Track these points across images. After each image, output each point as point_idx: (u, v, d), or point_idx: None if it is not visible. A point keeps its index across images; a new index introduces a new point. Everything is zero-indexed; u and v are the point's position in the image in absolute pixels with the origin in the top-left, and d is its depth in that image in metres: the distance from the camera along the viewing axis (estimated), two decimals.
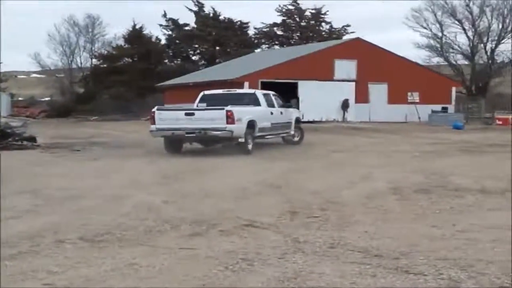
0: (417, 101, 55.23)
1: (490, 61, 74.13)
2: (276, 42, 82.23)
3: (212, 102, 26.01)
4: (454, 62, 75.80)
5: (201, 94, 27.78)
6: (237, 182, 15.54)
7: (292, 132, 28.70)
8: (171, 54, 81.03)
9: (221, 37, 77.50)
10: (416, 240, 9.17)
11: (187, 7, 79.94)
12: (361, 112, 52.62)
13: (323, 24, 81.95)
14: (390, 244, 8.99)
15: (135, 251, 8.65)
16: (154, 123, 24.28)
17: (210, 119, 23.56)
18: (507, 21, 72.77)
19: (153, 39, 78.59)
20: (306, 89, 51.41)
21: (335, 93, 51.81)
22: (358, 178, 16.72)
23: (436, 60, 75.86)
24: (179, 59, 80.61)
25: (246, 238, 9.47)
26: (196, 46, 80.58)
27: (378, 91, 54.14)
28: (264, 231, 9.99)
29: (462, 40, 75.41)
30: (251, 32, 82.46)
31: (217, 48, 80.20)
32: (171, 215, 11.15)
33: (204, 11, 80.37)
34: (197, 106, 26.39)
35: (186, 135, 23.95)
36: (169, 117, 24.24)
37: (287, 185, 15.22)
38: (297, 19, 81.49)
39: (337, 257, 8.31)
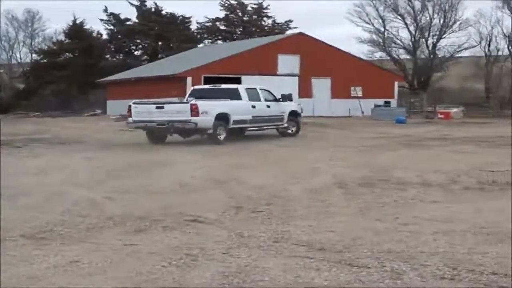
0: (360, 95, 55.64)
1: (431, 56, 74.98)
2: (219, 37, 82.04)
3: (200, 96, 28.13)
4: (396, 57, 76.52)
5: (191, 89, 30.59)
6: (181, 178, 15.45)
7: (285, 125, 30.53)
8: (113, 49, 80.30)
9: (164, 32, 76.96)
10: (360, 234, 9.23)
11: (129, 2, 79.27)
12: (304, 106, 52.70)
13: (265, 18, 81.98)
14: (334, 237, 9.03)
15: (78, 248, 8.55)
16: (130, 115, 26.61)
17: (177, 112, 25.84)
18: (448, 16, 73.73)
19: (94, 34, 77.77)
20: (249, 84, 51.29)
21: (279, 88, 51.84)
22: (303, 172, 16.76)
23: (379, 54, 76.55)
24: (121, 54, 79.91)
25: (190, 233, 9.44)
26: (138, 41, 79.96)
27: (322, 86, 54.38)
28: (208, 226, 9.96)
29: (404, 35, 76.16)
30: (193, 27, 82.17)
31: (160, 43, 79.69)
32: (114, 212, 11.04)
33: (146, 5, 79.73)
34: (186, 100, 28.19)
35: (157, 126, 26.06)
36: (143, 110, 26.49)
37: (231, 180, 15.19)
38: (240, 14, 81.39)
39: (281, 251, 8.33)
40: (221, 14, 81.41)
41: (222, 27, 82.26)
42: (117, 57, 79.57)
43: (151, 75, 54.96)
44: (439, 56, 75.53)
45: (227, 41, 77.98)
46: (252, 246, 8.62)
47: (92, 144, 26.59)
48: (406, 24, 74.74)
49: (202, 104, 25.90)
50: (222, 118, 26.56)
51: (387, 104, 54.63)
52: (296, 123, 31.57)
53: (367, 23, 74.88)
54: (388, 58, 76.38)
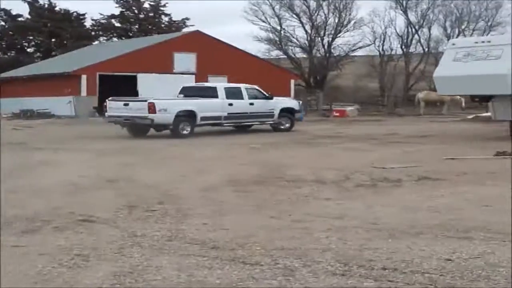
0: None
1: (327, 55, 75.99)
2: (115, 35, 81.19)
3: (187, 93, 31.99)
4: (292, 55, 77.29)
5: (181, 87, 33.53)
6: (71, 178, 15.17)
7: (275, 120, 33.04)
8: (4, 46, 78.52)
9: (57, 29, 75.70)
10: (253, 231, 9.25)
11: None
12: None
13: (162, 16, 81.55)
14: (227, 235, 9.02)
15: None
16: (106, 111, 30.43)
17: (138, 109, 28.92)
18: (343, 15, 74.88)
19: None
20: (145, 82, 51.04)
21: (175, 86, 51.56)
22: (197, 170, 16.74)
23: (275, 53, 77.27)
24: (13, 51, 78.24)
25: (82, 233, 9.28)
26: (31, 38, 78.46)
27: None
28: (100, 226, 9.82)
29: (300, 33, 77.27)
30: (88, 23, 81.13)
31: (53, 40, 78.34)
32: (1, 212, 10.76)
33: (38, 2, 78.27)
34: (177, 97, 31.96)
35: (124, 121, 29.46)
36: (114, 106, 29.99)
37: (123, 179, 15.04)
38: (136, 11, 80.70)
39: (175, 250, 8.27)
40: (117, 11, 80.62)
41: (118, 25, 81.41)
42: (9, 54, 77.84)
43: (44, 73, 53.95)
44: (335, 55, 76.68)
45: (123, 38, 77.20)
46: (145, 245, 8.54)
47: None
48: (302, 23, 75.68)
49: (160, 103, 29.14)
50: (187, 115, 29.46)
51: None
52: (290, 119, 33.75)
53: (263, 21, 75.44)
54: (285, 56, 77.05)
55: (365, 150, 22.82)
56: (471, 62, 26.34)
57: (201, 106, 30.26)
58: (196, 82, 52.85)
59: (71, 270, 7.39)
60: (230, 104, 31.21)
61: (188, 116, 29.71)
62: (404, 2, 75.82)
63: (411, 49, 77.68)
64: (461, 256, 7.87)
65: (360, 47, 76.99)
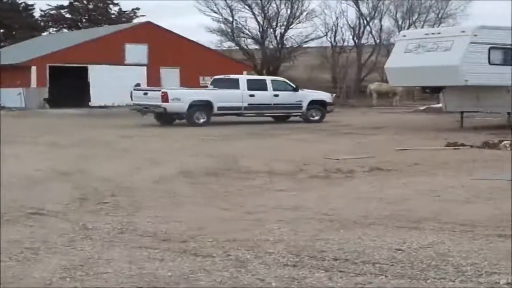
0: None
1: (279, 46, 76.03)
2: (64, 26, 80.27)
3: (217, 84, 34.06)
4: (245, 47, 77.12)
5: (213, 78, 36.26)
6: (23, 170, 15.01)
7: (303, 112, 33.98)
8: None
9: (5, 19, 74.59)
10: (205, 223, 9.24)
11: None
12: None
13: (111, 6, 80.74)
14: (180, 227, 9.02)
15: None
16: (132, 99, 32.98)
17: (154, 98, 31.02)
18: (295, 6, 74.92)
19: None
20: (97, 73, 50.61)
21: (127, 78, 51.30)
22: (149, 162, 16.67)
23: (228, 44, 76.89)
24: None
25: (33, 226, 9.20)
26: None
27: (171, 75, 54.10)
28: (51, 219, 9.75)
29: (252, 25, 76.76)
30: (37, 14, 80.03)
31: (1, 31, 77.23)
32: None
33: None
34: (208, 87, 35.05)
35: (144, 109, 31.88)
36: (136, 95, 32.59)
37: (76, 172, 14.91)
38: (85, 1, 79.81)
39: (126, 242, 8.24)
40: (66, 2, 79.62)
41: (67, 15, 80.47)
42: None
43: None
44: (287, 46, 76.69)
45: (73, 29, 76.41)
46: (96, 238, 8.49)
47: None
48: (254, 14, 75.46)
49: (174, 92, 31.52)
50: (202, 104, 31.18)
51: None
52: (320, 110, 34.69)
53: (215, 12, 75.13)
54: (237, 48, 76.91)
55: (318, 142, 22.94)
56: (422, 54, 26.60)
57: (218, 96, 31.99)
58: (148, 74, 52.83)
59: (21, 264, 7.33)
60: (252, 95, 32.50)
61: (204, 105, 31.31)
62: None
63: (363, 41, 78.03)
64: (411, 246, 7.95)
65: (312, 39, 77.12)
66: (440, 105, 34.24)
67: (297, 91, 34.35)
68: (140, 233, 8.75)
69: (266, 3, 74.64)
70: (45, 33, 77.31)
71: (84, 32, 66.41)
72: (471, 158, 17.30)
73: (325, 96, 36.36)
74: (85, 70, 50.67)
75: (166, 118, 31.79)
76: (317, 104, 34.78)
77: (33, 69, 49.04)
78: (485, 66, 25.86)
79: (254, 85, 33.30)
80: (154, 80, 52.59)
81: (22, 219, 9.62)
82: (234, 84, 33.18)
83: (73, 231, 8.85)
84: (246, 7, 75.02)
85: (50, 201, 11.06)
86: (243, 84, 32.99)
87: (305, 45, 77.71)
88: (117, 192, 12.07)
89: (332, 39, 77.79)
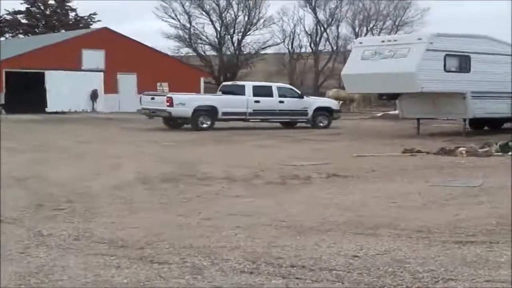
0: (167, 91, 55.57)
1: (237, 52, 76.13)
2: (21, 31, 79.51)
3: (225, 90, 35.47)
4: (202, 53, 77.12)
5: (221, 85, 38.34)
6: None
7: (308, 118, 34.57)
8: None
9: None
10: (162, 230, 9.19)
11: None
12: (110, 102, 52.20)
13: (69, 12, 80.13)
14: (136, 234, 8.95)
15: None
16: (140, 104, 34.22)
17: (160, 102, 32.19)
18: (253, 13, 75.11)
19: None
20: (54, 79, 50.25)
21: (84, 83, 51.06)
22: (106, 168, 16.57)
23: (185, 50, 76.87)
24: None
25: None
26: None
27: (128, 81, 53.93)
28: (7, 225, 9.61)
29: (210, 31, 76.82)
30: None
31: None
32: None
33: None
34: (217, 93, 35.96)
35: (151, 113, 33.04)
36: (145, 100, 33.76)
37: (32, 177, 14.76)
38: (42, 7, 79.15)
39: (82, 249, 8.16)
40: (22, 7, 78.88)
41: (24, 21, 79.73)
42: None
43: None
44: (245, 52, 76.85)
45: (29, 35, 75.70)
46: (52, 245, 8.40)
47: None
48: (211, 20, 75.55)
49: (178, 97, 32.35)
50: (207, 110, 32.09)
51: None
52: (327, 117, 35.36)
53: (173, 18, 75.04)
54: (194, 54, 76.84)
55: (275, 147, 22.98)
56: (378, 61, 26.76)
57: (223, 102, 32.97)
58: (105, 79, 52.58)
59: None
60: (257, 101, 33.23)
61: (209, 111, 32.21)
62: (312, 1, 76.54)
63: (320, 47, 78.48)
64: (368, 252, 7.97)
65: (270, 45, 77.46)
66: (397, 111, 34.49)
67: (303, 98, 35.12)
68: (96, 239, 8.68)
69: (223, 10, 74.77)
70: (1, 39, 76.51)
71: (41, 37, 65.88)
72: (427, 164, 17.43)
73: (331, 103, 37.29)
74: (42, 76, 50.28)
75: (173, 123, 32.71)
76: (323, 111, 35.38)
77: None
78: (441, 73, 26.12)
79: (260, 91, 34.05)
80: (111, 85, 52.50)
81: None
82: (240, 90, 34.12)
83: (28, 238, 8.76)
84: (204, 13, 75.19)
85: (5, 207, 10.92)
86: (248, 90, 33.80)
87: (262, 52, 78.06)
88: (74, 198, 11.97)
89: (290, 46, 78.33)
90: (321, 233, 9.00)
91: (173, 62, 59.87)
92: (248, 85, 34.98)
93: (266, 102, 33.41)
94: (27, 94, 48.62)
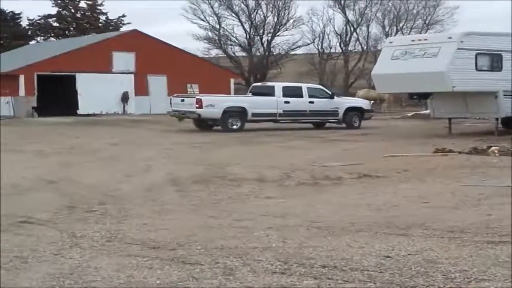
0: (197, 93, 55.72)
1: (267, 53, 76.12)
2: (52, 34, 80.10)
3: (255, 91, 35.17)
4: (232, 54, 77.18)
5: (251, 86, 38.16)
6: (10, 179, 14.92)
7: (339, 119, 34.44)
8: None
9: None
10: (194, 231, 9.22)
11: None
12: (141, 104, 52.40)
13: (99, 15, 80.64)
14: (168, 235, 8.98)
15: None
16: (171, 106, 34.27)
17: (189, 104, 32.20)
18: (282, 14, 75.07)
19: None
20: (85, 81, 50.50)
21: (114, 86, 51.29)
22: (137, 170, 16.62)
23: (215, 52, 77.01)
24: None
25: (21, 235, 9.15)
26: None
27: (158, 83, 54.09)
28: (40, 227, 9.70)
29: (239, 32, 76.90)
30: (24, 23, 79.86)
31: None
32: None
33: None
34: (248, 94, 35.81)
35: (181, 115, 33.04)
36: (174, 102, 33.87)
37: (63, 180, 14.86)
38: (72, 10, 79.71)
39: (114, 250, 8.21)
40: (53, 11, 79.51)
41: (55, 24, 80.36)
42: None
43: None
44: (274, 53, 76.81)
45: (60, 38, 76.24)
46: (85, 246, 8.46)
47: None
48: (241, 21, 75.61)
49: (208, 99, 32.46)
50: (237, 111, 32.10)
51: None
52: (358, 117, 35.12)
53: (202, 20, 75.19)
54: (224, 55, 76.94)
55: (304, 148, 22.94)
56: (408, 60, 26.64)
57: (252, 103, 32.90)
58: (135, 81, 52.76)
59: (9, 273, 7.29)
60: (287, 102, 33.12)
61: (238, 112, 32.20)
62: (342, 1, 76.36)
63: (350, 47, 78.28)
64: (400, 253, 7.95)
65: (299, 46, 77.35)
66: (428, 111, 34.33)
67: (333, 98, 34.90)
68: (129, 241, 8.72)
69: (253, 10, 74.80)
70: (33, 42, 77.16)
71: (71, 40, 66.31)
72: (459, 164, 17.34)
73: (363, 103, 37.05)
74: (73, 78, 50.58)
75: (203, 124, 32.81)
76: (355, 111, 35.20)
77: (21, 77, 48.94)
78: (472, 72, 25.95)
79: (290, 92, 33.92)
80: (141, 88, 52.65)
81: (10, 228, 9.57)
82: (270, 91, 34.06)
83: (61, 240, 8.82)
84: (233, 14, 75.23)
85: (38, 209, 11.02)
86: (278, 91, 33.69)
87: (292, 52, 77.92)
88: (106, 200, 12.05)
89: (319, 46, 78.07)
90: (352, 234, 8.99)
91: (203, 64, 59.95)
92: (278, 86, 34.86)
93: (296, 103, 33.29)
94: (58, 97, 48.99)
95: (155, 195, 12.65)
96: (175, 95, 35.28)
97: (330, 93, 35.61)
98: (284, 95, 33.32)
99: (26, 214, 10.55)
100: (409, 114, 46.08)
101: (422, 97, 31.69)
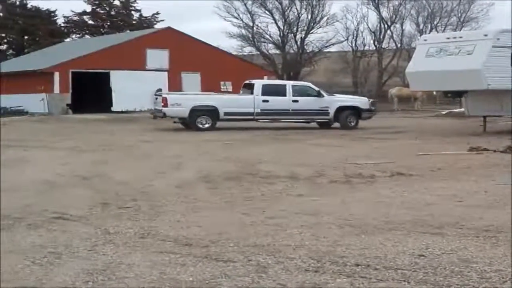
0: (230, 90, 55.77)
1: (300, 51, 76.06)
2: (87, 32, 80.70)
3: (243, 89, 34.39)
4: (266, 52, 77.25)
5: (243, 83, 35.95)
6: (43, 175, 15.05)
7: (330, 119, 33.14)
8: None
9: (29, 26, 75.18)
10: (226, 228, 9.22)
11: None
12: None
13: (133, 12, 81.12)
14: (200, 232, 9.00)
15: None
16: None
17: (159, 102, 32.11)
18: (316, 11, 74.97)
19: None
20: (118, 79, 50.81)
21: (148, 83, 51.47)
22: (169, 167, 16.67)
23: (249, 49, 77.14)
24: None
25: (55, 231, 9.22)
26: (3, 35, 77.87)
27: (191, 80, 54.21)
28: (74, 223, 9.76)
29: (273, 30, 77.00)
30: (60, 20, 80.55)
31: (25, 37, 77.80)
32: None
33: None
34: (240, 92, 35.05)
35: (156, 113, 33.22)
36: (155, 101, 34.58)
37: (96, 177, 14.94)
38: (107, 8, 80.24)
39: (148, 247, 8.24)
40: (88, 8, 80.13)
41: (90, 22, 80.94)
42: None
43: (17, 70, 53.47)
44: (308, 51, 76.74)
45: (95, 35, 76.78)
46: (118, 242, 8.49)
47: None
48: (274, 19, 75.69)
49: (173, 97, 32.30)
50: (206, 110, 31.41)
51: None
52: (354, 116, 33.59)
53: (236, 18, 75.33)
54: (258, 53, 77.01)
55: (335, 146, 22.87)
56: (443, 58, 26.47)
57: (225, 101, 32.43)
58: (169, 79, 52.88)
59: (43, 268, 7.35)
60: (265, 101, 32.32)
61: (208, 111, 31.48)
62: None
63: (384, 45, 78.03)
64: (434, 252, 7.89)
65: (333, 43, 77.24)
66: (462, 109, 34.08)
67: (322, 96, 33.31)
68: (161, 237, 8.75)
69: (286, 8, 74.80)
70: (68, 39, 77.77)
71: (106, 38, 66.72)
72: (494, 163, 17.19)
73: (359, 102, 34.90)
74: (107, 76, 50.90)
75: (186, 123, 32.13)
76: (348, 110, 33.57)
77: (56, 74, 49.31)
78: (508, 70, 25.71)
79: (271, 90, 32.94)
80: (175, 85, 52.72)
81: (44, 224, 9.64)
82: (250, 89, 33.20)
83: (95, 236, 8.87)
84: (267, 12, 75.31)
85: (72, 205, 11.08)
86: (257, 89, 32.67)
87: (326, 50, 77.85)
88: (138, 196, 12.09)
89: (353, 44, 77.95)
90: (385, 232, 8.94)
91: (236, 61, 60.02)
92: (258, 84, 33.51)
93: (276, 102, 32.28)
94: (93, 94, 49.35)
95: (187, 192, 12.66)
96: (157, 93, 35.84)
97: (318, 90, 33.55)
98: (264, 94, 32.40)
99: (60, 210, 10.61)
100: (443, 112, 45.78)
101: (456, 95, 31.49)
